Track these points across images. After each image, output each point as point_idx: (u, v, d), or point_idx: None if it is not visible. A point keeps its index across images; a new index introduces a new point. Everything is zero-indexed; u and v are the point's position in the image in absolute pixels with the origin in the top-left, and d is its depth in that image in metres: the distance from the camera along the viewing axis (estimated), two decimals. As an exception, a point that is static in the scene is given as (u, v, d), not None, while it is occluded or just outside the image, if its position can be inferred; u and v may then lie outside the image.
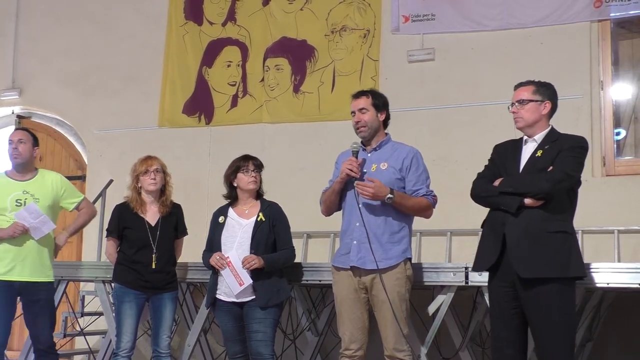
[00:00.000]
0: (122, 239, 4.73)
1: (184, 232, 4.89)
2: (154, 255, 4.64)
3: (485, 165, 3.96)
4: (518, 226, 3.62)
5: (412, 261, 4.13)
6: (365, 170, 4.07)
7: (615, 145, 5.79)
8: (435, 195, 4.12)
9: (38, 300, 4.65)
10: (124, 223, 4.70)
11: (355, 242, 4.03)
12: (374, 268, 3.95)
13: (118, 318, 4.67)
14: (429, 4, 6.36)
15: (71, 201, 4.91)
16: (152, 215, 4.74)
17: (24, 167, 4.76)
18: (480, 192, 3.84)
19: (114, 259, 4.75)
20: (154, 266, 4.63)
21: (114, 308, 4.89)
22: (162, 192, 4.79)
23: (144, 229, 4.67)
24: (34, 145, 4.80)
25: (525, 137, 3.85)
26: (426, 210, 4.11)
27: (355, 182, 3.97)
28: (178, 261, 4.91)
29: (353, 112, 4.17)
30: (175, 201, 4.87)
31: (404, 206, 4.01)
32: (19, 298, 4.70)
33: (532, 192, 3.61)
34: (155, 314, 4.69)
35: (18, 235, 4.58)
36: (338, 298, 4.13)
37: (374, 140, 4.16)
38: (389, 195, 3.91)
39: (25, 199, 4.66)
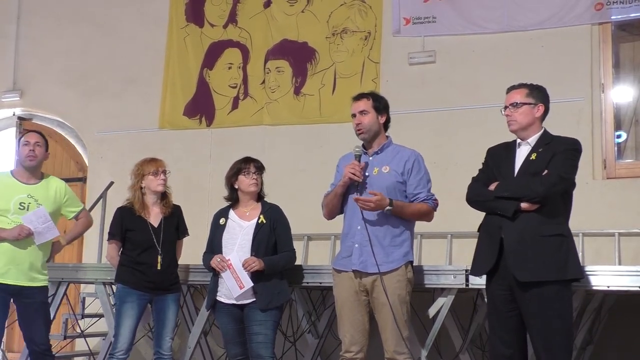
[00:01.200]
0: (124, 242, 4.72)
1: (185, 233, 4.88)
2: (159, 257, 4.63)
3: (480, 169, 3.96)
4: (515, 230, 3.63)
5: (413, 264, 4.13)
6: (367, 174, 4.07)
7: (616, 148, 5.79)
8: (436, 199, 4.11)
9: (32, 304, 4.61)
10: (127, 225, 4.69)
11: (357, 245, 4.03)
12: (375, 271, 3.95)
13: (117, 318, 4.65)
14: (429, 6, 6.36)
15: (71, 210, 4.90)
16: (154, 216, 4.73)
17: (33, 170, 4.73)
18: (475, 196, 3.84)
19: (116, 262, 4.72)
20: (158, 267, 4.62)
21: (114, 310, 4.88)
22: (163, 193, 4.79)
23: (148, 231, 4.66)
24: (45, 150, 4.81)
25: (518, 140, 3.85)
26: (427, 215, 4.11)
27: (355, 198, 3.96)
28: (178, 263, 4.89)
29: (354, 115, 4.16)
30: (175, 203, 4.86)
31: (404, 214, 4.02)
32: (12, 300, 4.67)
33: (528, 196, 3.61)
34: (159, 315, 4.68)
35: (22, 238, 4.54)
36: (338, 300, 4.13)
37: (375, 143, 4.15)
38: (388, 208, 3.92)
39: (29, 203, 4.62)
